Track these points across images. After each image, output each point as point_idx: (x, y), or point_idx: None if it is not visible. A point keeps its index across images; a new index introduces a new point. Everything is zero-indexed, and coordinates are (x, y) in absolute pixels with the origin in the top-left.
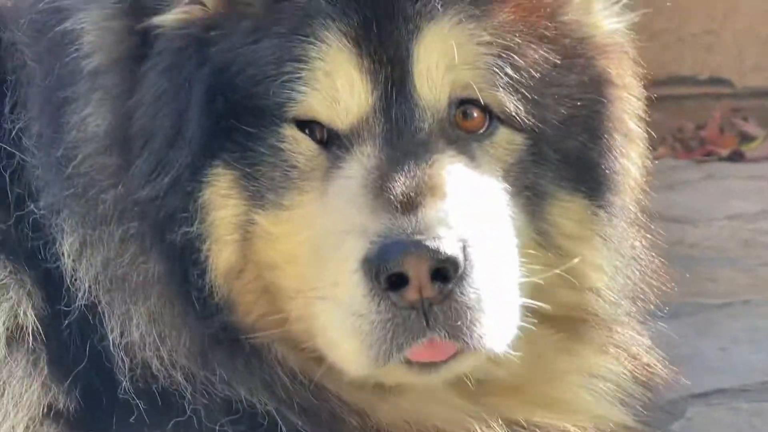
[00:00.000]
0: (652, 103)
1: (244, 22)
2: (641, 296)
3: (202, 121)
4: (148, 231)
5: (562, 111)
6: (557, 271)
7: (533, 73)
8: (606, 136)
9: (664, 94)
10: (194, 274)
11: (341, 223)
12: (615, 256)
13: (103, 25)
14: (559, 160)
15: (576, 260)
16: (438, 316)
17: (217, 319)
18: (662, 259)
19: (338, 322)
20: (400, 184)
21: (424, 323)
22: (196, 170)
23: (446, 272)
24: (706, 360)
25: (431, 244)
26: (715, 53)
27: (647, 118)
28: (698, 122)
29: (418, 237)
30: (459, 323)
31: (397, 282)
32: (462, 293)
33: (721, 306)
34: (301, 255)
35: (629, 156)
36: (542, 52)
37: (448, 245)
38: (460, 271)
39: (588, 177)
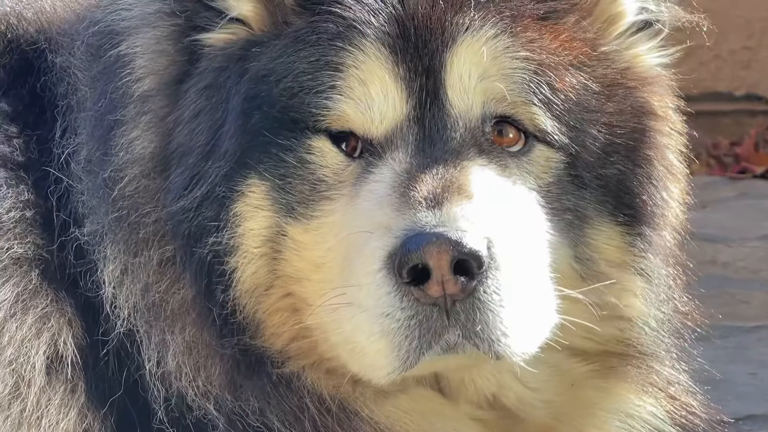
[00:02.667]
0: (687, 119)
1: (284, 39)
2: (676, 335)
3: (238, 133)
4: (180, 247)
5: (601, 137)
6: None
7: (570, 95)
8: (647, 165)
9: (700, 109)
10: (219, 290)
11: (367, 224)
12: (651, 288)
13: (156, 49)
14: (600, 186)
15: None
16: (459, 315)
17: (240, 340)
18: (694, 281)
19: (365, 326)
20: (426, 185)
21: (446, 320)
22: (230, 181)
23: (469, 266)
24: (735, 385)
25: (453, 235)
26: (752, 70)
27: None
28: (733, 139)
29: (441, 229)
30: (478, 327)
31: (420, 277)
32: (485, 292)
33: (753, 329)
34: (328, 262)
35: (670, 191)
36: (580, 78)
37: (470, 238)
38: (483, 267)
39: (627, 206)
